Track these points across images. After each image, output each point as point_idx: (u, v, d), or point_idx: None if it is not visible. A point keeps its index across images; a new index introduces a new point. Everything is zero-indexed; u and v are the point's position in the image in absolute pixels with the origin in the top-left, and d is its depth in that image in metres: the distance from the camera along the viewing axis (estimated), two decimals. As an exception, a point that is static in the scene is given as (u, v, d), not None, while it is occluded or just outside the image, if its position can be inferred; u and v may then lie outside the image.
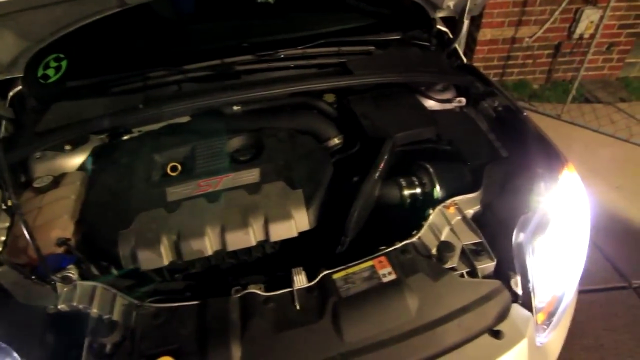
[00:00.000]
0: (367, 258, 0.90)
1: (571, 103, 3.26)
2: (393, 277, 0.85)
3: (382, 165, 1.13)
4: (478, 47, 3.51)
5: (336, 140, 1.29)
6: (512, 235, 0.95)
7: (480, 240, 0.97)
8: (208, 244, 0.97)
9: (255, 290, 0.85)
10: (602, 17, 2.86)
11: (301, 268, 0.88)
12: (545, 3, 3.23)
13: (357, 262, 0.89)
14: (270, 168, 1.13)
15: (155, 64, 1.40)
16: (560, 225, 1.02)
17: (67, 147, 1.31)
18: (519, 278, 0.91)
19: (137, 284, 1.02)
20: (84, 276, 0.97)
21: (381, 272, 0.86)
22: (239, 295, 0.85)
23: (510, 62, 3.60)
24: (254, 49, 1.44)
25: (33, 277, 0.94)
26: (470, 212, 1.07)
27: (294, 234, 1.00)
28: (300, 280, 0.86)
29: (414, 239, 0.95)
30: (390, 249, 0.92)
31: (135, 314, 0.84)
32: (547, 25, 3.30)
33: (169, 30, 1.53)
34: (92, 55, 1.44)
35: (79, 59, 1.45)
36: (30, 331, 0.86)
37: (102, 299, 0.89)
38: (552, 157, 1.15)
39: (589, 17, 3.22)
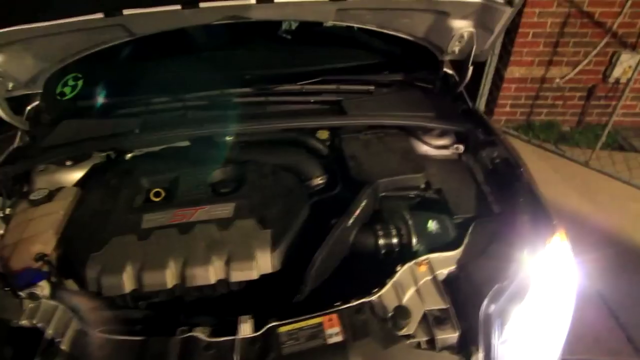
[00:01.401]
0: (318, 314, 0.86)
1: (602, 150, 3.07)
2: (339, 338, 0.81)
3: (357, 211, 1.10)
4: (505, 85, 3.41)
5: (319, 180, 1.27)
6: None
7: (445, 307, 0.91)
8: (169, 277, 0.98)
9: (199, 334, 0.84)
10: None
11: (249, 316, 0.87)
12: (579, 45, 3.11)
13: (306, 316, 0.86)
14: (246, 204, 1.13)
15: (159, 90, 1.46)
16: (539, 300, 0.94)
17: (68, 163, 1.39)
18: (481, 355, 0.84)
19: (103, 307, 1.04)
20: (55, 294, 1.01)
21: (328, 331, 0.83)
22: (181, 337, 0.84)
23: (539, 102, 3.46)
24: (257, 81, 1.48)
25: (6, 288, 0.98)
26: (444, 272, 1.01)
27: (255, 276, 0.99)
28: (245, 330, 0.84)
29: (373, 298, 0.91)
30: (344, 306, 0.88)
31: (82, 342, 0.86)
32: (580, 67, 3.17)
33: (178, 58, 1.60)
34: (105, 77, 1.53)
35: (94, 80, 1.54)
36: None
37: (59, 321, 0.92)
38: (542, 221, 1.07)
39: (627, 61, 3.05)
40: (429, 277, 0.98)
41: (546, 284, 0.97)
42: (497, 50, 3.32)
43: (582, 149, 3.20)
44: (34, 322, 0.93)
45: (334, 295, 0.94)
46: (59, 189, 1.33)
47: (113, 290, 0.98)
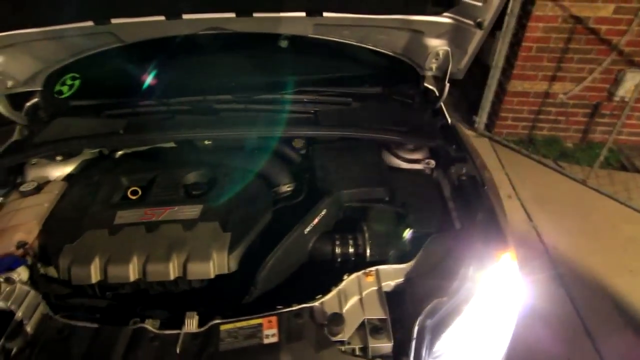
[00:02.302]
0: (259, 315, 0.92)
1: (602, 169, 3.03)
2: (275, 340, 0.87)
3: (315, 220, 1.16)
4: (507, 98, 3.39)
5: (286, 188, 1.33)
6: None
7: (384, 317, 0.96)
8: (131, 271, 1.05)
9: (149, 326, 0.91)
10: (645, 82, 2.66)
11: (195, 313, 0.93)
12: (583, 61, 3.07)
13: (248, 317, 0.92)
14: (210, 207, 1.20)
15: (147, 94, 1.55)
16: (477, 317, 0.97)
17: (59, 158, 1.49)
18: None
19: (72, 295, 1.12)
20: (33, 280, 1.10)
21: (266, 332, 0.88)
22: (132, 327, 0.91)
23: (542, 116, 3.43)
24: (240, 89, 1.55)
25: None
26: (390, 284, 1.05)
27: (210, 275, 1.05)
28: (190, 325, 0.91)
29: (315, 303, 0.96)
30: (285, 310, 0.94)
31: (45, 325, 0.94)
32: (584, 84, 3.12)
33: (168, 63, 1.67)
34: (99, 79, 1.63)
35: (89, 81, 1.64)
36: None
37: (29, 305, 1.00)
38: (494, 239, 1.10)
39: (633, 79, 2.99)
40: (374, 288, 1.02)
41: (488, 302, 1.00)
42: (500, 64, 3.31)
43: (582, 166, 3.15)
44: (8, 304, 1.02)
45: (288, 299, 1.00)
46: (47, 182, 1.43)
47: (81, 279, 1.06)
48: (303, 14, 1.30)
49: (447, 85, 1.53)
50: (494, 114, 3.57)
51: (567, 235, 2.46)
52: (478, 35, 1.28)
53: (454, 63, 1.45)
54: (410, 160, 1.46)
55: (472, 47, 1.34)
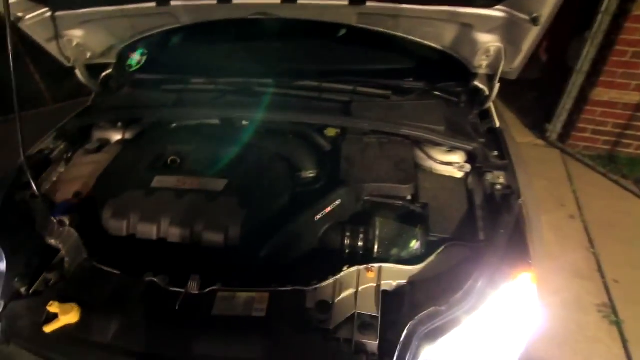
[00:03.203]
0: (254, 289, 0.97)
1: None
2: (262, 314, 0.91)
3: (328, 208, 1.17)
4: (589, 108, 3.01)
5: (308, 174, 1.35)
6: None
7: (376, 315, 0.94)
8: (155, 231, 1.16)
9: (159, 281, 1.01)
10: None
11: (198, 276, 1.01)
12: (692, 71, 2.60)
13: (244, 289, 0.97)
14: (235, 183, 1.27)
15: (200, 73, 1.66)
16: (476, 333, 0.91)
17: (119, 124, 1.68)
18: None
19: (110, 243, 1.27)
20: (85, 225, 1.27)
21: (256, 306, 0.93)
22: (145, 279, 1.02)
23: (629, 132, 2.99)
24: (284, 75, 1.59)
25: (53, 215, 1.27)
26: (392, 283, 1.03)
27: (222, 245, 1.12)
28: (192, 287, 0.99)
29: (310, 288, 0.98)
30: (278, 289, 0.97)
31: (80, 265, 1.09)
32: (690, 99, 2.65)
33: (225, 45, 1.77)
34: (160, 56, 1.79)
35: (153, 57, 1.81)
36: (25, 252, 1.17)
37: (71, 245, 1.17)
38: (516, 256, 1.02)
39: None
40: (373, 284, 1.01)
41: (493, 320, 0.93)
42: (585, 68, 2.94)
43: (672, 196, 2.71)
44: (57, 242, 1.20)
45: (288, 279, 1.03)
46: (108, 144, 1.62)
47: (116, 231, 1.20)
48: (346, 2, 1.29)
49: (497, 85, 1.41)
50: (570, 124, 3.20)
51: (632, 269, 2.15)
52: (534, 32, 1.16)
53: (507, 61, 1.33)
54: (443, 162, 1.39)
55: (527, 44, 1.22)
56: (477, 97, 1.55)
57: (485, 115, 1.56)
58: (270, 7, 1.38)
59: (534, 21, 1.10)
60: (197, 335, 0.90)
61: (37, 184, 1.28)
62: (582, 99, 3.04)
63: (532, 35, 1.17)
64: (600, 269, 2.20)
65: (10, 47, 1.05)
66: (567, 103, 3.16)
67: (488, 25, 1.24)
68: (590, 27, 2.78)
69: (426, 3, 1.23)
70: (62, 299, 0.98)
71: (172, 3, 1.41)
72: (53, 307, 0.96)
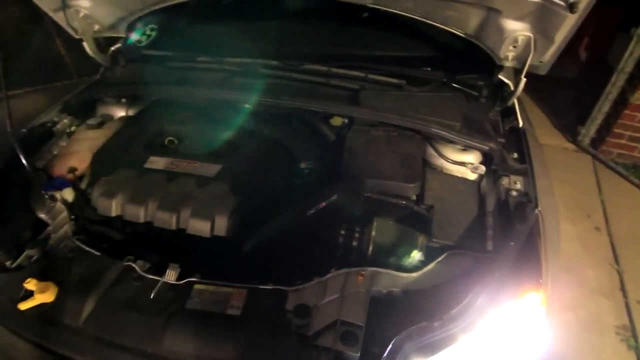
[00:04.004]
0: (232, 284, 0.91)
1: None
2: (236, 313, 0.85)
3: (323, 203, 1.08)
4: (628, 112, 2.78)
5: (308, 165, 1.27)
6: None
7: (360, 324, 0.86)
8: (142, 214, 1.12)
9: (137, 266, 0.96)
10: None
11: (178, 265, 0.95)
12: None
13: (222, 283, 0.91)
14: (229, 169, 1.20)
15: (206, 51, 1.59)
16: (472, 354, 0.82)
17: (123, 100, 1.64)
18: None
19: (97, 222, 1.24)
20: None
21: (232, 302, 0.87)
22: (123, 263, 0.97)
23: (673, 141, 2.74)
24: (293, 57, 1.50)
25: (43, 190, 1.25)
26: (382, 291, 0.95)
27: (207, 234, 1.06)
28: (169, 275, 0.94)
29: (291, 289, 0.91)
30: (257, 286, 0.90)
31: (62, 242, 1.06)
32: None
33: (237, 24, 1.69)
34: (169, 32, 1.73)
35: (162, 33, 1.75)
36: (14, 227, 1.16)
37: (59, 222, 1.15)
38: (525, 273, 0.91)
39: None
40: (362, 290, 0.93)
41: (493, 341, 0.83)
42: (628, 68, 2.69)
43: None
44: (47, 218, 1.18)
45: (272, 277, 0.96)
46: (111, 120, 1.59)
47: (104, 211, 1.17)
48: (361, -21, 1.18)
49: (524, 80, 1.27)
50: (605, 128, 2.96)
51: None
52: (570, 21, 1.02)
53: (536, 54, 1.19)
54: (456, 162, 1.27)
55: (561, 35, 1.08)
56: (501, 92, 1.41)
57: (509, 112, 1.42)
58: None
59: (571, 7, 0.96)
60: (166, 329, 0.85)
61: (31, 158, 1.26)
62: (622, 102, 2.79)
63: (568, 25, 1.03)
64: (623, 288, 2.04)
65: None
66: (604, 105, 2.92)
67: (518, 10, 1.10)
68: (638, 24, 2.53)
69: (449, -17, 1.10)
70: (41, 277, 0.95)
71: (179, -26, 1.33)
72: (30, 285, 0.94)
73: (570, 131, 3.30)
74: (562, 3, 0.98)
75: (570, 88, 3.83)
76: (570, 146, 3.23)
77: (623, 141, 2.89)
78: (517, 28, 1.16)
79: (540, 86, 4.04)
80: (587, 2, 0.94)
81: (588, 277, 2.10)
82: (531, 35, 1.16)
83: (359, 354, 0.83)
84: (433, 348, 0.81)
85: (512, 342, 0.84)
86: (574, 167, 2.96)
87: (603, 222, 2.45)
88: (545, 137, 3.35)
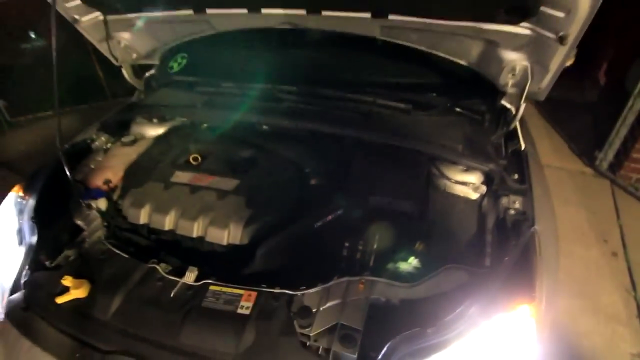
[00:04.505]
0: (243, 287, 1.00)
1: None
2: (246, 312, 0.93)
3: (330, 217, 1.17)
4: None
5: (318, 181, 1.36)
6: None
7: (358, 328, 0.93)
8: (167, 222, 1.24)
9: (160, 269, 1.07)
10: None
11: (196, 269, 1.06)
12: None
13: (234, 285, 1.00)
14: (246, 184, 1.31)
15: (231, 77, 1.75)
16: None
17: (154, 120, 1.81)
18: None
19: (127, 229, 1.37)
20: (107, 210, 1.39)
21: (243, 303, 0.95)
22: (148, 265, 1.08)
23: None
24: (309, 82, 1.63)
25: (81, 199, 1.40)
26: (381, 298, 1.01)
27: (223, 242, 1.17)
28: (188, 277, 1.04)
29: (297, 293, 0.99)
30: (265, 289, 0.99)
31: (96, 246, 1.19)
32: None
33: (260, 53, 1.85)
34: (197, 59, 1.91)
35: (192, 60, 1.94)
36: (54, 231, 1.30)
37: (93, 227, 1.28)
38: (517, 287, 0.96)
39: None
40: (361, 297, 1.00)
41: (483, 350, 0.88)
42: (645, 92, 2.69)
43: None
44: (83, 224, 1.31)
45: (280, 281, 1.05)
46: (142, 138, 1.75)
47: (133, 219, 1.30)
48: (368, 14, 1.31)
49: (523, 105, 1.35)
50: (623, 153, 2.93)
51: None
52: (562, 52, 1.10)
53: (534, 81, 1.27)
54: (458, 182, 1.34)
55: (554, 64, 1.15)
56: (503, 116, 1.48)
57: (512, 136, 1.49)
58: (296, 18, 1.43)
59: (561, 40, 1.05)
60: (183, 324, 0.94)
61: (72, 171, 1.41)
62: (639, 127, 2.78)
63: (560, 55, 1.11)
64: (639, 315, 1.99)
65: (53, 48, 1.17)
66: (621, 130, 2.90)
67: (513, 42, 1.19)
68: (654, 50, 2.56)
69: (449, 18, 1.21)
70: (76, 275, 1.07)
71: (208, 11, 1.51)
72: (66, 281, 1.06)
73: (588, 156, 3.27)
74: (553, 36, 1.07)
75: (590, 113, 3.83)
76: (589, 170, 3.20)
77: (642, 166, 2.85)
78: (514, 58, 1.25)
79: (559, 111, 4.08)
80: (575, 35, 1.02)
81: (603, 303, 2.06)
82: (528, 64, 1.24)
83: (356, 356, 0.89)
84: (425, 353, 0.86)
85: (501, 352, 0.88)
86: (592, 192, 2.93)
87: (620, 248, 2.40)
88: (563, 162, 3.34)
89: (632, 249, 2.37)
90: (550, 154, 3.41)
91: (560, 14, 1.00)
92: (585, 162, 3.28)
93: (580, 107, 4.23)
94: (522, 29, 1.14)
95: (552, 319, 1.09)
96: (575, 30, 1.00)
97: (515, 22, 1.12)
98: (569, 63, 1.78)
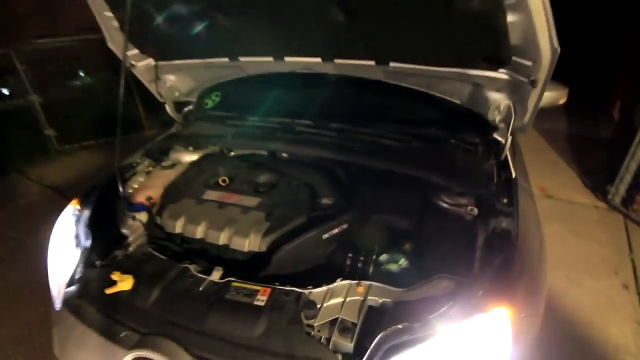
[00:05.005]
0: (259, 284, 1.18)
1: None
2: (261, 304, 1.12)
3: (336, 230, 1.36)
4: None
5: (327, 201, 1.56)
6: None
7: (355, 322, 1.09)
8: (198, 231, 1.46)
9: (191, 268, 1.28)
10: None
11: (221, 268, 1.26)
12: None
13: (252, 283, 1.19)
14: (266, 202, 1.53)
15: (257, 112, 2.03)
16: (440, 354, 1.00)
17: (190, 148, 2.09)
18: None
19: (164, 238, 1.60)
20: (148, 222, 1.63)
21: (259, 297, 1.14)
22: (182, 265, 1.29)
23: None
24: (324, 117, 1.88)
25: (127, 211, 1.65)
26: (378, 300, 1.17)
27: (245, 249, 1.37)
28: (214, 276, 1.24)
29: (305, 291, 1.16)
30: (278, 287, 1.17)
31: (139, 249, 1.42)
32: None
33: (273, 92, 2.13)
34: (228, 97, 2.21)
35: (224, 98, 2.25)
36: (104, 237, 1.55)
37: (136, 235, 1.52)
38: (497, 293, 1.10)
39: None
40: (360, 297, 1.16)
41: (460, 345, 1.01)
42: (650, 129, 2.80)
43: None
44: (128, 232, 1.56)
45: (292, 281, 1.23)
46: (180, 163, 2.03)
47: (170, 229, 1.52)
48: (373, 62, 1.56)
49: (510, 138, 1.52)
50: (634, 188, 2.98)
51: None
52: (535, 93, 1.29)
53: (517, 117, 1.46)
54: (452, 204, 1.50)
55: (531, 103, 1.34)
56: (495, 147, 1.66)
57: (505, 164, 1.65)
58: (314, 64, 1.70)
59: (532, 83, 1.24)
60: (209, 312, 1.13)
61: (123, 188, 1.69)
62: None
63: (534, 96, 1.30)
64: (649, 347, 1.99)
65: (121, 87, 1.48)
66: (631, 164, 2.98)
67: (495, 85, 1.40)
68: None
69: (439, 65, 1.44)
70: (123, 271, 1.29)
71: (241, 59, 1.82)
72: (114, 276, 1.28)
73: (601, 190, 3.33)
74: (525, 80, 1.27)
75: (604, 149, 3.91)
76: (602, 205, 3.25)
77: (653, 200, 2.88)
78: (498, 97, 1.45)
79: (575, 147, 4.18)
80: (543, 80, 1.21)
81: (612, 335, 2.08)
82: (510, 103, 1.44)
83: (352, 344, 1.04)
84: (411, 344, 1.01)
85: (479, 347, 1.01)
86: (604, 225, 2.97)
87: (632, 280, 2.42)
88: (576, 196, 3.40)
89: (643, 282, 2.38)
90: (564, 188, 3.48)
91: (529, 63, 1.20)
92: (598, 197, 3.33)
93: (595, 144, 4.31)
94: (501, 74, 1.34)
95: (541, 325, 1.20)
96: (542, 75, 1.20)
97: (494, 69, 1.33)
98: (561, 102, 1.97)
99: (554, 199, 3.34)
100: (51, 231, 1.58)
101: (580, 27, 5.18)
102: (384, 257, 1.31)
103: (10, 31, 6.72)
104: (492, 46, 1.22)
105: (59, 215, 1.63)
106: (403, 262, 1.24)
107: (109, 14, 1.62)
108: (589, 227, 2.95)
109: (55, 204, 3.48)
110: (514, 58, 1.24)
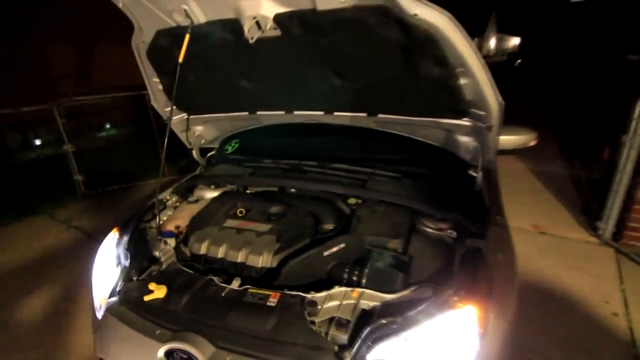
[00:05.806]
0: (271, 290, 1.44)
1: None
2: (273, 305, 1.37)
3: (335, 248, 1.63)
4: (636, 206, 3.04)
5: (328, 226, 1.85)
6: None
7: (349, 319, 1.33)
8: (220, 252, 1.75)
9: (216, 279, 1.55)
10: None
11: (239, 279, 1.52)
12: None
13: (266, 289, 1.45)
14: (276, 228, 1.83)
15: (266, 155, 2.40)
16: (415, 344, 1.22)
17: (212, 186, 2.44)
18: (349, 356, 1.22)
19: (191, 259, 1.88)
20: (177, 246, 1.93)
21: (271, 299, 1.40)
22: (207, 277, 1.57)
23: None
24: (326, 159, 2.23)
25: (159, 237, 1.96)
26: (369, 303, 1.41)
27: (259, 265, 1.64)
28: (234, 284, 1.51)
29: (308, 295, 1.42)
30: (287, 292, 1.43)
31: (171, 266, 1.70)
32: None
33: (283, 138, 2.52)
34: (245, 144, 2.60)
35: (241, 144, 2.64)
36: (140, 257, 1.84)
37: (168, 256, 1.81)
38: (465, 295, 1.34)
39: None
40: (354, 301, 1.40)
41: (432, 337, 1.24)
42: (628, 168, 3.07)
43: None
44: (160, 254, 1.85)
45: (297, 288, 1.48)
46: (203, 199, 2.37)
47: (196, 251, 1.81)
48: (365, 114, 1.93)
49: (480, 173, 1.83)
50: (622, 222, 3.19)
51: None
52: (492, 136, 1.61)
53: (484, 155, 1.77)
54: (434, 228, 1.78)
55: (490, 144, 1.66)
56: (471, 181, 1.96)
57: (478, 197, 1.94)
58: (317, 116, 2.09)
59: (489, 129, 1.58)
60: (229, 312, 1.38)
61: (158, 218, 2.01)
62: (629, 198, 3.08)
63: (492, 138, 1.63)
64: (637, 370, 2.10)
65: (166, 138, 1.85)
66: (615, 202, 3.20)
67: (462, 130, 1.73)
68: (626, 132, 3.01)
69: (417, 115, 1.80)
70: (158, 283, 1.57)
71: (258, 112, 2.22)
72: (152, 286, 1.55)
73: (592, 226, 3.52)
74: (483, 126, 1.60)
75: (595, 188, 4.14)
76: (593, 240, 3.42)
77: (639, 234, 3.06)
78: (466, 140, 1.78)
79: (569, 188, 4.43)
80: (496, 125, 1.55)
81: (603, 358, 2.19)
82: (477, 144, 1.76)
83: (347, 337, 1.28)
84: (392, 335, 1.24)
85: (449, 336, 1.23)
86: (595, 259, 3.13)
87: (622, 308, 2.55)
88: (569, 232, 3.58)
89: (633, 311, 2.51)
90: (557, 225, 3.68)
91: (483, 113, 1.54)
92: (590, 233, 3.51)
93: (587, 183, 4.56)
94: (465, 122, 1.68)
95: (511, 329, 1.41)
96: (495, 122, 1.54)
97: (459, 118, 1.67)
98: (532, 143, 2.28)
99: (548, 235, 3.53)
100: (74, 267, 1.87)
101: (578, 91, 5.75)
102: (374, 269, 1.56)
103: (51, 88, 7.58)
104: (453, 101, 1.57)
105: (82, 252, 1.93)
106: (391, 274, 1.49)
107: (156, 79, 2.06)
108: (579, 260, 3.12)
109: (79, 242, 3.81)
110: (472, 109, 1.59)
